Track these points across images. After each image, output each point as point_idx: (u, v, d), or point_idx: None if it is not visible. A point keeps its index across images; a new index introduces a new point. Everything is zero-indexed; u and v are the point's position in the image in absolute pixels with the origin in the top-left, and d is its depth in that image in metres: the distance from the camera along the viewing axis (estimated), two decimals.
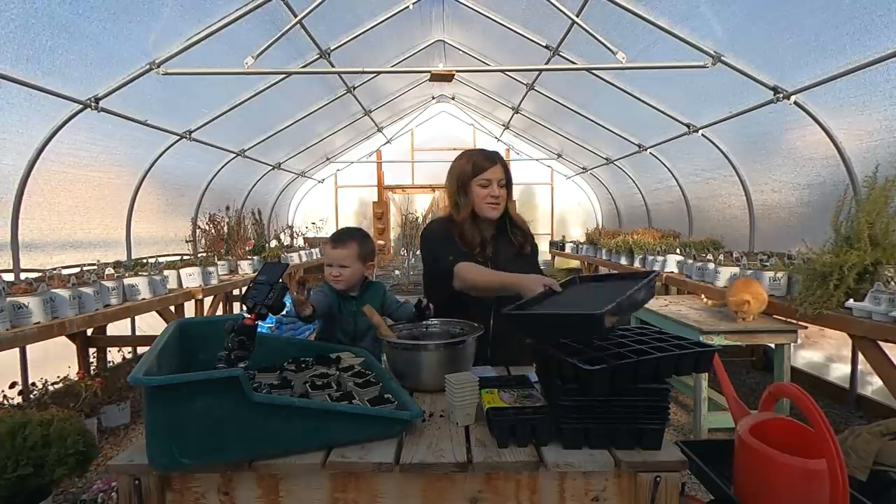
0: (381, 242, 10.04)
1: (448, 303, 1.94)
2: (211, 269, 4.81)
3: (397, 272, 6.58)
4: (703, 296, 3.83)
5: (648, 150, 6.17)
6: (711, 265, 4.21)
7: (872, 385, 3.80)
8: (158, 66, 3.69)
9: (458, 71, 5.34)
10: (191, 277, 4.53)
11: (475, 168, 2.00)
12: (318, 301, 1.93)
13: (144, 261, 4.56)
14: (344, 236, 2.02)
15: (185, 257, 5.31)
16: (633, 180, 7.53)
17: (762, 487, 1.20)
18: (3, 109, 3.29)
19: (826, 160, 3.83)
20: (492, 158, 2.03)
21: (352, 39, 5.09)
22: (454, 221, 2.05)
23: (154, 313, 4.17)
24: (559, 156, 9.49)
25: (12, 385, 3.25)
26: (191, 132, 5.01)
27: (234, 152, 6.15)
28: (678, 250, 5.18)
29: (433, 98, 9.59)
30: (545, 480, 1.17)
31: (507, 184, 2.05)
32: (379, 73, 6.11)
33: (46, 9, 2.93)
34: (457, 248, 1.99)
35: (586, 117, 6.43)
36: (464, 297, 1.89)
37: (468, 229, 2.02)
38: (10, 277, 3.55)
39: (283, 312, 1.56)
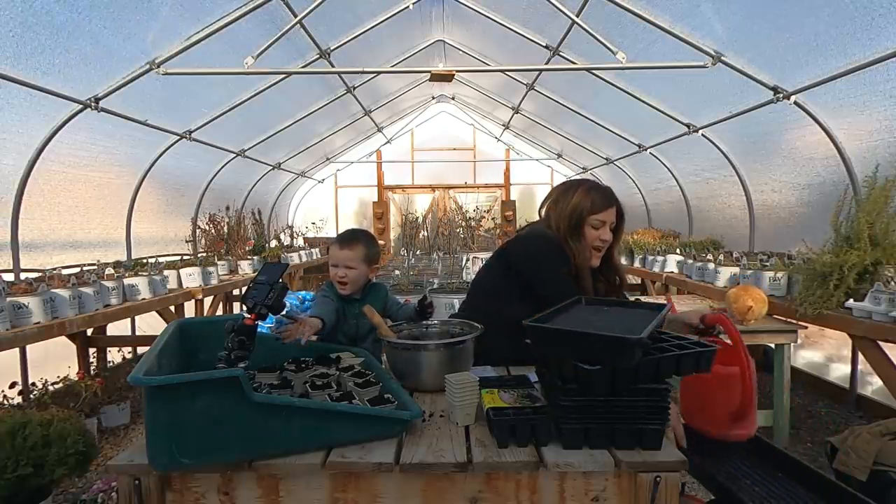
0: (382, 242, 10.01)
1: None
2: (211, 269, 4.81)
3: (397, 272, 6.57)
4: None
5: (648, 150, 6.16)
6: (711, 265, 4.21)
7: (872, 385, 3.80)
8: (158, 66, 3.68)
9: (458, 71, 5.33)
10: (191, 277, 4.53)
11: (593, 205, 1.74)
12: (326, 310, 1.87)
13: (144, 261, 4.56)
14: (351, 238, 2.01)
15: (185, 257, 5.31)
16: (633, 180, 7.52)
17: (696, 396, 1.47)
18: (3, 109, 3.29)
19: (826, 160, 3.82)
20: (609, 198, 1.77)
21: (352, 39, 5.09)
22: (566, 258, 1.74)
23: (154, 313, 4.17)
24: (559, 156, 9.47)
25: (12, 385, 3.24)
26: (191, 132, 5.00)
27: (234, 152, 6.15)
28: (678, 250, 5.18)
29: (433, 98, 9.58)
30: (545, 480, 1.17)
31: (617, 228, 1.79)
32: (379, 73, 6.10)
33: (46, 8, 2.92)
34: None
35: (586, 117, 6.42)
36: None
37: (587, 278, 1.73)
38: (10, 277, 3.55)
39: (283, 312, 1.56)
